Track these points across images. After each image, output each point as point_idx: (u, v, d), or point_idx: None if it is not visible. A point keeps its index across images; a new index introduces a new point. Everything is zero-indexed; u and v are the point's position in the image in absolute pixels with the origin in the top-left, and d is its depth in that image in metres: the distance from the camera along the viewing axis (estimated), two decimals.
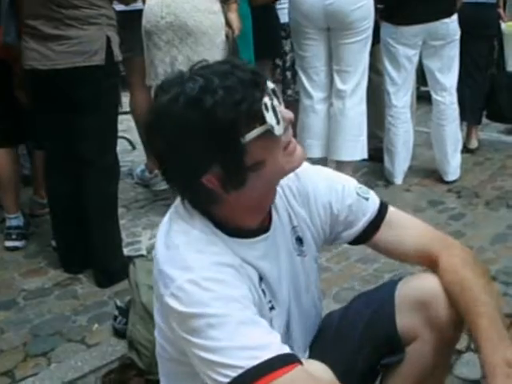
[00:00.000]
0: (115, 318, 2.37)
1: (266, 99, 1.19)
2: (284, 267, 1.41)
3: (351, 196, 1.48)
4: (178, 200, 1.33)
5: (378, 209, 1.50)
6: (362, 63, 3.53)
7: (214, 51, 3.16)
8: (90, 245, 2.77)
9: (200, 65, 1.24)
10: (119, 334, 2.33)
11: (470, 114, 4.15)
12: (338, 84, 3.55)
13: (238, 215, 1.29)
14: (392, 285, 1.53)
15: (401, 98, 3.81)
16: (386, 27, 3.74)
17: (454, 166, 3.87)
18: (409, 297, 1.47)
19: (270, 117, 1.19)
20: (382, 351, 1.51)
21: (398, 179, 3.86)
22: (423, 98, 4.65)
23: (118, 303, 2.37)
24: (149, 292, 2.12)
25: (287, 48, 3.98)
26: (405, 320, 1.46)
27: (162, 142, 1.21)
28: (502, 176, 4.00)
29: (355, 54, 3.49)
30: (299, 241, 1.47)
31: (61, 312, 2.57)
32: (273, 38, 3.83)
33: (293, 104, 3.88)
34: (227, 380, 1.13)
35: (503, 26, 4.25)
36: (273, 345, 1.15)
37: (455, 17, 3.65)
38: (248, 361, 1.12)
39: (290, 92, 4.02)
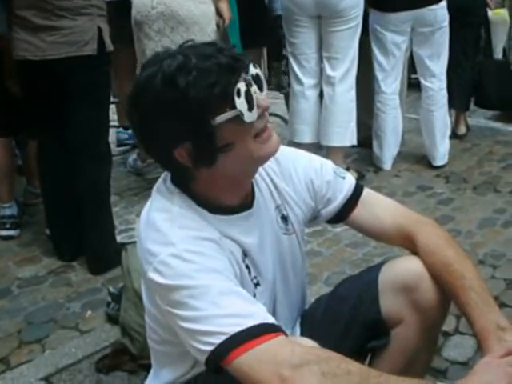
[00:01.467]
0: (108, 304, 2.36)
1: (241, 84, 1.19)
2: (269, 245, 1.41)
3: (329, 174, 1.49)
4: (159, 180, 1.35)
5: (354, 187, 1.51)
6: (351, 50, 3.51)
7: (204, 40, 3.12)
8: (83, 232, 2.75)
9: (187, 44, 1.26)
10: (112, 320, 2.32)
11: (458, 101, 4.13)
12: (328, 70, 3.54)
13: (214, 192, 1.29)
14: (375, 269, 1.53)
15: (390, 85, 3.78)
16: (373, 14, 3.71)
17: (442, 151, 3.86)
18: (392, 280, 1.46)
19: (240, 103, 1.18)
20: (367, 335, 1.51)
21: (387, 165, 3.85)
22: (413, 86, 4.63)
23: (111, 289, 2.36)
24: (141, 278, 2.10)
25: None
26: (389, 303, 1.46)
27: (138, 115, 1.24)
28: (490, 161, 3.99)
29: (345, 41, 3.47)
30: (284, 219, 1.46)
31: (55, 299, 2.56)
32: (262, 27, 3.80)
33: None
34: (211, 348, 1.12)
35: (490, 13, 4.22)
36: (256, 314, 1.15)
37: (444, 3, 3.62)
38: (231, 327, 1.12)
39: None
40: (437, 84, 3.78)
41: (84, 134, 2.64)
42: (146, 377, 1.65)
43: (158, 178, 3.66)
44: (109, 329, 2.31)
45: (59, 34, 2.53)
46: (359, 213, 1.50)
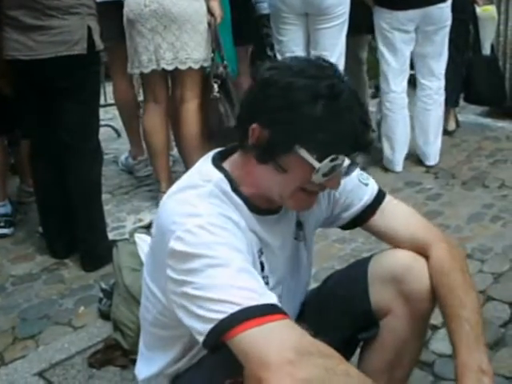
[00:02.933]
0: (100, 300, 2.38)
1: (345, 158, 1.25)
2: (286, 249, 1.44)
3: (352, 181, 1.49)
4: (200, 160, 1.39)
5: (375, 195, 1.51)
6: (337, 48, 3.53)
7: (197, 38, 3.14)
8: (75, 230, 2.77)
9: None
10: (104, 315, 2.34)
11: (447, 97, 4.14)
12: None
13: (249, 186, 1.33)
14: (364, 262, 1.55)
15: (399, 83, 3.74)
16: (380, 12, 3.64)
17: (435, 150, 3.86)
18: (381, 272, 1.48)
19: (326, 164, 1.23)
20: (357, 326, 1.54)
21: (399, 166, 3.78)
22: None
23: (103, 286, 2.38)
24: (131, 274, 2.13)
25: None
26: (378, 295, 1.48)
27: (251, 95, 1.30)
28: (479, 157, 4.02)
29: (331, 38, 3.50)
30: (299, 225, 1.49)
31: (48, 296, 2.57)
32: (252, 25, 3.81)
33: None
34: (222, 316, 1.11)
35: (478, 10, 4.24)
36: (270, 295, 1.16)
37: (449, 2, 3.60)
38: (246, 300, 1.11)
39: None
40: (436, 83, 3.77)
41: (73, 132, 2.66)
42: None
43: (148, 176, 3.68)
44: (101, 324, 2.33)
45: (49, 34, 2.54)
46: (376, 222, 1.50)
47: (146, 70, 3.19)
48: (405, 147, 3.84)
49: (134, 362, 1.97)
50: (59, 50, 2.55)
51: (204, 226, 1.19)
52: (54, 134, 2.70)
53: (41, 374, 2.09)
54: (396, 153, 3.80)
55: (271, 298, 1.15)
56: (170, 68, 3.16)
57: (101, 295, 2.38)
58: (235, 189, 1.32)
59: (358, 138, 1.26)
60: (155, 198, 3.37)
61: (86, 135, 2.72)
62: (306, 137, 1.22)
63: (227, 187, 1.31)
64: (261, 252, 1.35)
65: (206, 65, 3.21)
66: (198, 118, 3.27)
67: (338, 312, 1.53)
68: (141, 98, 3.96)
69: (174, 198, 1.29)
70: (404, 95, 3.79)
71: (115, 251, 2.27)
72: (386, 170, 3.80)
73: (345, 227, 1.59)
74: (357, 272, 1.55)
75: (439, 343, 2.09)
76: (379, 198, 1.52)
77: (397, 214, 1.52)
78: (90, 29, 2.60)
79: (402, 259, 1.46)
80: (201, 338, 1.16)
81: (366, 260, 1.55)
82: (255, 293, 1.14)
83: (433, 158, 3.85)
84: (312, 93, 1.21)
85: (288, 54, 3.59)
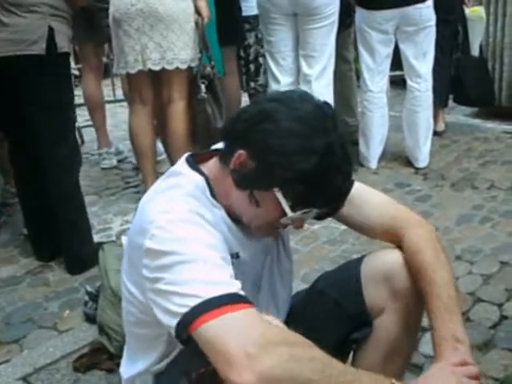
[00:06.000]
0: (86, 303, 2.37)
1: (321, 211, 1.31)
2: (260, 256, 1.45)
3: None
4: (178, 162, 1.40)
5: None
6: (327, 48, 3.55)
7: (184, 38, 3.14)
8: (59, 233, 2.75)
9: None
10: (90, 319, 2.33)
11: (436, 98, 4.16)
12: (305, 68, 3.58)
13: (224, 198, 1.34)
14: (356, 262, 1.56)
15: (377, 83, 3.81)
16: (359, 12, 3.74)
17: (424, 152, 3.89)
18: (374, 272, 1.50)
19: (296, 215, 1.28)
20: (351, 326, 1.54)
21: (373, 163, 3.87)
22: (392, 83, 4.68)
23: (88, 289, 2.37)
24: (117, 276, 2.11)
25: (251, 41, 3.97)
26: (372, 294, 1.50)
27: (249, 121, 1.29)
28: (468, 158, 4.05)
29: (321, 38, 3.51)
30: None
31: (32, 299, 2.56)
32: (238, 26, 3.82)
33: (255, 97, 3.91)
34: (184, 310, 1.12)
35: (467, 11, 4.27)
36: (235, 285, 1.16)
37: (429, 2, 3.63)
38: (208, 292, 1.13)
39: (252, 85, 4.02)
40: (423, 85, 3.80)
41: (41, 138, 2.60)
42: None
43: (135, 175, 3.65)
44: (87, 328, 2.32)
45: (7, 31, 2.49)
46: (346, 210, 1.50)
47: (133, 71, 3.18)
48: (380, 146, 3.90)
49: (119, 365, 1.99)
50: (16, 48, 2.50)
51: (174, 221, 1.21)
52: (24, 135, 2.66)
53: (25, 379, 2.07)
54: (370, 150, 3.86)
55: (236, 286, 1.17)
56: (156, 68, 3.16)
57: (86, 298, 2.37)
58: (213, 193, 1.33)
59: (336, 198, 1.32)
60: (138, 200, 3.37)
61: (55, 142, 2.62)
62: (288, 185, 1.25)
63: (206, 190, 1.33)
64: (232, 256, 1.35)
65: (193, 65, 3.22)
66: (185, 119, 3.27)
67: (331, 313, 1.54)
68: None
69: (152, 200, 1.30)
70: (382, 95, 3.83)
71: (101, 254, 2.26)
72: (375, 172, 3.81)
73: (317, 218, 1.59)
74: (349, 273, 1.56)
75: (428, 345, 2.07)
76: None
77: (366, 201, 1.53)
78: (52, 29, 2.53)
79: (393, 258, 1.48)
80: (173, 333, 1.18)
81: (358, 261, 1.56)
82: (220, 284, 1.15)
83: (422, 160, 3.88)
84: (308, 147, 1.22)
85: (277, 55, 3.62)
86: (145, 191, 3.52)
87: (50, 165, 2.64)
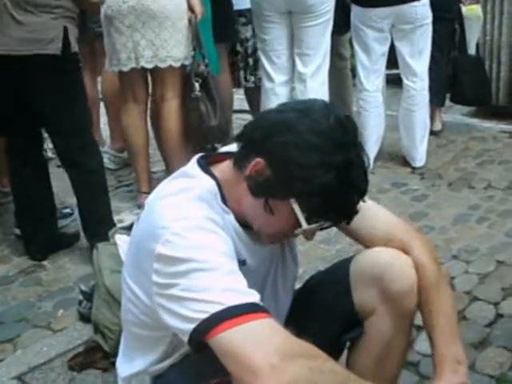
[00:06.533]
0: (80, 302, 2.41)
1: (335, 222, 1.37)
2: (262, 268, 1.48)
3: None
4: (189, 164, 1.42)
5: None
6: (322, 46, 3.60)
7: (177, 36, 3.18)
8: (51, 231, 2.84)
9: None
10: (85, 318, 2.37)
11: (433, 97, 4.21)
12: (299, 67, 3.63)
13: (236, 203, 1.37)
14: (346, 262, 1.60)
15: (372, 82, 3.84)
16: (355, 10, 3.77)
17: (421, 152, 3.93)
18: (363, 272, 1.53)
19: (311, 227, 1.31)
20: (341, 328, 1.58)
21: (369, 163, 3.90)
22: (389, 82, 4.72)
23: (83, 288, 2.41)
24: (111, 275, 2.17)
25: (248, 34, 3.98)
26: (361, 295, 1.53)
27: (269, 129, 1.32)
28: (465, 158, 4.11)
29: (316, 37, 3.56)
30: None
31: (26, 299, 2.60)
32: (228, 23, 3.86)
33: (255, 91, 3.95)
34: (204, 316, 1.15)
35: (464, 9, 4.33)
36: (255, 295, 1.20)
37: (426, 0, 3.68)
38: (229, 299, 1.16)
39: (252, 79, 4.06)
40: (419, 84, 3.84)
41: (65, 132, 2.70)
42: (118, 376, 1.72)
43: (128, 174, 3.67)
44: (81, 327, 2.36)
45: (23, 30, 2.55)
46: (351, 224, 1.52)
47: (125, 68, 3.22)
48: (376, 145, 3.93)
49: (115, 364, 2.02)
50: (32, 47, 2.56)
51: (192, 229, 1.23)
52: (33, 133, 2.75)
53: (20, 378, 2.11)
54: (366, 150, 3.85)
55: (256, 296, 1.20)
56: (149, 66, 3.20)
57: (80, 297, 2.41)
58: (223, 198, 1.37)
59: (351, 213, 1.35)
60: (135, 198, 3.42)
61: (74, 132, 2.73)
62: (305, 197, 1.28)
63: (217, 195, 1.36)
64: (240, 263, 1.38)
65: (186, 63, 3.26)
66: (179, 117, 3.32)
67: (322, 314, 1.58)
68: None
69: (163, 202, 1.32)
70: (377, 94, 3.87)
71: (95, 253, 2.31)
72: (371, 171, 3.87)
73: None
74: (338, 273, 1.60)
75: (424, 343, 2.13)
76: None
77: (371, 216, 1.55)
78: (66, 29, 2.61)
79: (382, 258, 1.51)
80: (185, 338, 1.21)
81: (348, 260, 1.60)
82: (239, 293, 1.19)
83: (419, 159, 3.93)
84: (328, 162, 1.26)
85: (271, 53, 3.67)
86: (138, 190, 3.58)
87: (78, 155, 2.74)
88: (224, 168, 1.41)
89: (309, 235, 1.39)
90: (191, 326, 1.17)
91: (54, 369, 2.15)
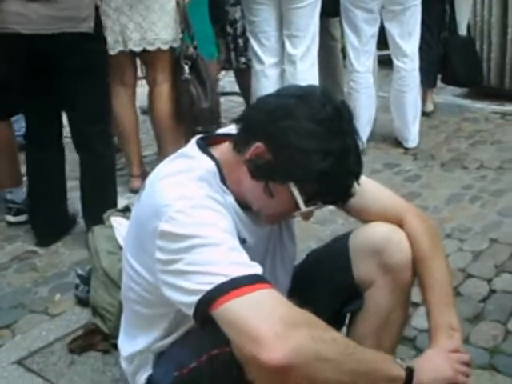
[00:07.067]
0: (77, 286, 2.47)
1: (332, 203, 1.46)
2: (260, 247, 1.56)
3: None
4: (189, 144, 1.50)
5: None
6: (311, 27, 3.68)
7: (165, 18, 3.23)
8: (88, 213, 2.89)
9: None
10: (82, 302, 2.43)
11: (424, 78, 4.28)
12: (289, 49, 3.70)
13: (235, 185, 1.45)
14: (344, 237, 1.70)
15: (363, 63, 3.91)
16: None
17: (413, 132, 4.02)
18: (361, 245, 1.63)
19: (309, 209, 1.39)
20: (342, 300, 1.68)
21: (361, 145, 3.96)
22: (380, 63, 4.79)
23: (79, 271, 2.47)
24: (108, 257, 2.22)
25: (237, 15, 4.04)
26: (360, 268, 1.63)
27: (269, 114, 1.39)
28: (458, 138, 4.21)
29: (304, 18, 3.63)
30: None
31: (21, 285, 2.65)
32: (221, 4, 3.91)
33: (246, 71, 4.01)
34: (209, 287, 1.22)
35: None
36: (258, 267, 1.28)
37: None
38: (234, 271, 1.23)
39: (243, 59, 4.11)
40: (409, 65, 3.91)
41: (89, 116, 2.75)
42: (119, 356, 1.79)
43: (118, 158, 3.70)
44: (79, 311, 2.42)
45: (55, 8, 2.53)
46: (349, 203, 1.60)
47: (113, 52, 3.24)
48: (368, 126, 4.00)
49: (115, 346, 2.08)
50: (64, 25, 2.56)
51: (194, 206, 1.31)
52: (53, 115, 2.81)
53: (20, 362, 2.16)
54: (358, 130, 3.93)
55: (259, 269, 1.28)
56: (137, 49, 3.25)
57: (77, 281, 2.47)
58: (223, 179, 1.44)
59: (347, 195, 1.45)
60: (126, 182, 3.49)
61: (95, 117, 2.78)
62: (304, 181, 1.36)
63: (217, 175, 1.43)
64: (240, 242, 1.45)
65: (175, 45, 3.31)
66: (170, 100, 3.38)
67: (322, 287, 1.67)
68: None
69: (164, 182, 1.39)
70: (368, 75, 3.95)
71: (91, 236, 2.36)
72: (364, 152, 3.92)
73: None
74: (338, 247, 1.69)
75: (420, 319, 2.22)
76: None
77: (366, 191, 1.63)
78: (97, 8, 2.65)
79: (380, 232, 1.61)
80: (190, 312, 1.28)
81: (346, 235, 1.69)
82: (242, 265, 1.26)
83: (412, 140, 4.02)
84: (325, 148, 1.34)
85: (260, 35, 3.73)
86: (129, 175, 3.65)
87: (89, 141, 2.79)
88: (223, 150, 1.48)
89: (306, 216, 1.47)
90: (196, 298, 1.24)
91: (54, 352, 2.21)
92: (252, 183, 1.42)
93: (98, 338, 2.22)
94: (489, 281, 2.50)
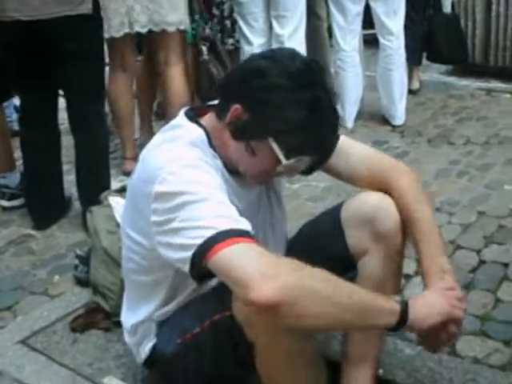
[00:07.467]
0: (76, 267, 2.53)
1: (309, 159, 1.49)
2: (251, 211, 1.62)
3: None
4: (176, 118, 1.59)
5: None
6: (298, 8, 3.75)
7: (172, 0, 3.24)
8: (83, 194, 2.95)
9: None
10: (81, 282, 2.49)
11: (410, 56, 4.32)
12: (277, 29, 3.77)
13: (222, 150, 1.53)
14: (335, 209, 1.77)
15: (349, 42, 3.98)
16: None
17: (400, 110, 4.10)
18: (353, 216, 1.71)
19: (290, 163, 1.46)
20: (335, 270, 1.74)
21: (349, 122, 4.06)
22: (366, 42, 4.85)
23: (78, 252, 2.53)
24: (108, 236, 2.28)
25: None
26: (353, 238, 1.71)
27: (243, 77, 1.49)
28: (444, 115, 4.29)
29: None
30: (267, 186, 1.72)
31: (19, 268, 2.71)
32: None
33: (234, 52, 4.05)
34: (200, 240, 1.31)
35: None
36: (246, 223, 1.37)
37: None
38: (223, 224, 1.32)
39: (231, 41, 4.14)
40: (395, 43, 3.98)
41: (79, 95, 2.80)
42: (121, 333, 1.87)
43: (111, 141, 3.66)
44: (79, 292, 2.48)
45: None
46: (334, 162, 1.69)
47: (118, 34, 3.24)
48: (355, 105, 4.10)
49: (116, 324, 2.16)
50: (64, 9, 2.60)
51: (185, 166, 1.41)
52: (48, 98, 2.86)
53: (24, 342, 2.22)
54: (346, 110, 4.04)
55: (247, 225, 1.37)
56: (143, 31, 3.26)
57: (76, 262, 2.52)
58: (211, 145, 1.53)
59: (326, 148, 1.53)
60: (119, 165, 3.54)
61: (92, 97, 2.85)
62: (282, 135, 1.45)
63: (206, 141, 1.52)
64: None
65: (182, 27, 3.33)
66: (185, 81, 3.42)
67: (317, 259, 1.71)
68: None
69: (157, 150, 1.49)
70: (354, 54, 4.02)
71: (89, 216, 2.41)
72: (352, 131, 4.02)
73: (304, 172, 1.75)
74: (330, 220, 1.78)
75: (413, 289, 2.31)
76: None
77: (352, 153, 1.73)
78: None
79: (370, 201, 1.69)
80: (186, 268, 1.36)
81: (337, 207, 1.77)
82: (230, 219, 1.35)
83: (399, 117, 4.10)
84: (298, 99, 1.42)
85: (248, 16, 3.78)
86: (122, 157, 3.69)
87: (85, 122, 2.86)
88: (208, 119, 1.58)
89: (290, 172, 1.55)
90: (190, 253, 1.34)
91: (56, 331, 2.27)
92: (235, 145, 1.50)
93: (99, 317, 2.28)
94: (478, 252, 2.59)
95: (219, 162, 1.53)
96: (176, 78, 3.40)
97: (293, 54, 1.52)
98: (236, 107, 1.46)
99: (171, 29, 3.29)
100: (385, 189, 1.69)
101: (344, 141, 1.72)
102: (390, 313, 1.38)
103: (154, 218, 1.41)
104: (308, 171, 1.67)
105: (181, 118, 1.58)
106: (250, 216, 1.62)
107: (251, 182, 1.60)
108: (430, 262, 1.58)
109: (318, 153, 1.52)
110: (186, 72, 3.45)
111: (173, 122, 1.60)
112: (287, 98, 1.42)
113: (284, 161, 1.46)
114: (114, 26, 3.23)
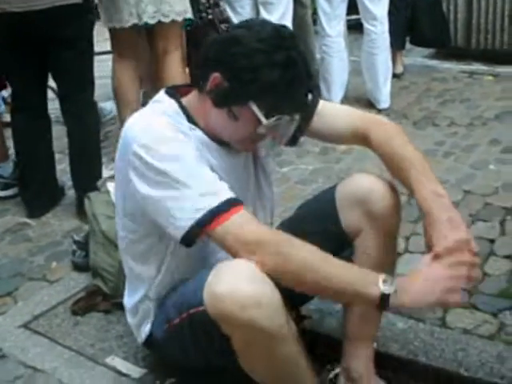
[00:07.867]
0: (74, 252, 2.59)
1: (294, 116, 1.58)
2: (238, 180, 1.69)
3: None
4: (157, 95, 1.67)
5: (310, 102, 1.76)
6: None
7: None
8: (74, 181, 3.03)
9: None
10: (79, 267, 2.56)
11: (393, 40, 4.39)
12: (264, 15, 3.82)
13: (204, 122, 1.63)
14: (330, 190, 1.84)
15: (334, 28, 4.06)
16: None
17: (385, 93, 4.18)
18: (347, 197, 1.77)
19: (270, 123, 1.54)
20: (332, 249, 1.81)
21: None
22: (350, 27, 4.92)
23: (76, 237, 2.58)
24: (107, 220, 2.33)
25: None
26: (348, 218, 1.77)
27: (220, 46, 1.58)
28: (428, 98, 4.38)
29: None
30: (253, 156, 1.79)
31: (17, 255, 2.77)
32: None
33: None
34: (191, 222, 1.47)
35: None
36: (228, 191, 1.51)
37: None
38: (211, 202, 1.48)
39: (223, 27, 4.19)
40: (379, 27, 4.06)
41: (70, 83, 2.88)
42: (121, 315, 1.94)
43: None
44: (77, 277, 2.54)
45: None
46: (316, 125, 1.79)
47: (127, 25, 3.24)
48: (341, 90, 4.18)
49: (116, 306, 2.23)
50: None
51: (160, 139, 1.51)
52: (42, 85, 2.92)
53: (26, 326, 2.28)
54: (332, 95, 4.13)
55: (228, 193, 1.50)
56: (152, 22, 3.26)
57: (74, 247, 2.58)
58: (190, 119, 1.61)
59: (302, 105, 1.61)
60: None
61: (84, 85, 2.92)
62: (260, 97, 1.53)
63: (180, 113, 1.61)
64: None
65: (187, 16, 3.37)
66: (182, 68, 3.46)
67: (313, 237, 1.79)
68: None
69: (131, 123, 1.59)
70: (340, 39, 4.10)
71: (87, 202, 2.46)
72: None
73: (293, 140, 1.84)
74: (325, 201, 1.84)
75: (403, 267, 2.37)
76: (314, 103, 1.80)
77: (333, 113, 1.82)
78: None
79: (363, 183, 1.75)
80: (180, 233, 1.49)
81: (331, 190, 1.84)
82: (213, 195, 1.48)
83: (383, 101, 4.18)
84: (272, 61, 1.51)
85: (236, 4, 3.87)
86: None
87: (76, 109, 2.92)
88: (191, 94, 1.66)
89: (273, 134, 1.62)
90: (182, 232, 1.49)
91: (57, 315, 2.33)
92: (217, 112, 1.58)
93: (99, 299, 2.34)
94: None
95: (199, 132, 1.61)
96: (173, 65, 3.44)
97: (263, 21, 1.65)
98: (215, 76, 1.54)
99: (179, 18, 3.31)
100: (367, 140, 1.75)
101: (324, 104, 1.82)
102: (367, 299, 1.44)
103: (132, 176, 1.53)
104: (293, 140, 1.79)
105: (160, 95, 1.67)
106: (240, 192, 1.67)
107: (237, 149, 1.66)
108: (422, 189, 1.57)
109: (295, 109, 1.59)
110: (183, 59, 3.50)
111: (154, 98, 1.69)
112: (262, 60, 1.50)
113: (264, 120, 1.54)
114: (124, 17, 3.22)
